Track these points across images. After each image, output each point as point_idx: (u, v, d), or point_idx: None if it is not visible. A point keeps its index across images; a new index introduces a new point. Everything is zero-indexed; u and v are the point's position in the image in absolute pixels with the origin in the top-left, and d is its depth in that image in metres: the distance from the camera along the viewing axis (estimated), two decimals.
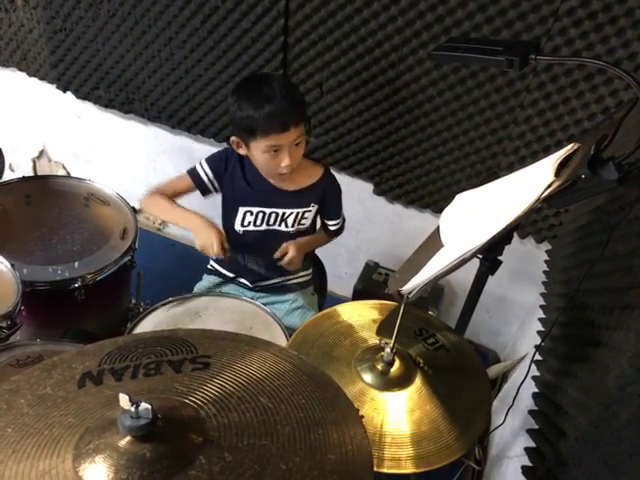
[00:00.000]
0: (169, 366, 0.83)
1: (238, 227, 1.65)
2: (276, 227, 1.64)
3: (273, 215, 1.63)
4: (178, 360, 0.84)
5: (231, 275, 1.78)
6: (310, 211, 1.65)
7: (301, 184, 1.63)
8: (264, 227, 1.64)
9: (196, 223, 1.52)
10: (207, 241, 1.48)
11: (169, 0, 2.01)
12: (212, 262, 1.82)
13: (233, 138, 1.51)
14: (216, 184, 1.63)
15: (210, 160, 1.63)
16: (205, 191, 1.64)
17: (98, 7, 2.14)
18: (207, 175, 1.61)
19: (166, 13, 2.05)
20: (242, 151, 1.52)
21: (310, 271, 1.83)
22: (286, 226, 1.64)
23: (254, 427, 0.72)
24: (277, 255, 1.57)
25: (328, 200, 1.68)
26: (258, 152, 1.47)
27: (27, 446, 0.69)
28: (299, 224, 1.65)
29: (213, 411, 0.73)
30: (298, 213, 1.63)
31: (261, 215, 1.63)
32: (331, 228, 1.75)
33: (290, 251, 1.56)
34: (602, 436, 0.90)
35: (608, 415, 0.90)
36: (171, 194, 1.63)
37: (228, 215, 1.66)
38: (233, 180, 1.62)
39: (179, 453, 0.66)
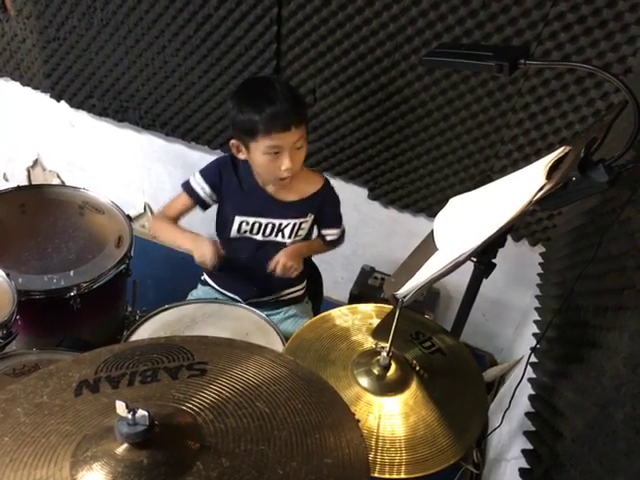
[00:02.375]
0: (166, 373, 0.83)
1: (234, 234, 1.63)
2: (272, 238, 1.63)
3: (270, 226, 1.61)
4: (175, 367, 0.84)
5: (223, 291, 1.76)
6: (307, 221, 1.64)
7: (300, 195, 1.61)
8: (260, 237, 1.63)
9: (191, 240, 1.55)
10: (202, 253, 1.49)
11: (162, 9, 2.02)
12: (205, 275, 1.80)
13: (233, 141, 1.50)
14: (215, 197, 1.62)
15: (204, 173, 1.60)
16: (205, 206, 1.63)
17: (91, 16, 2.15)
18: (204, 190, 1.60)
19: (159, 21, 2.06)
20: (242, 155, 1.50)
21: (304, 285, 1.81)
22: (282, 237, 1.63)
23: (251, 432, 0.72)
24: (271, 268, 1.55)
25: (326, 211, 1.66)
26: (258, 154, 1.44)
27: (24, 455, 0.69)
28: (296, 235, 1.63)
29: (210, 417, 0.74)
30: (295, 224, 1.61)
31: (257, 225, 1.61)
32: (328, 238, 1.72)
33: (281, 259, 1.54)
34: (598, 436, 0.90)
35: (604, 415, 0.90)
36: (174, 215, 1.64)
37: (223, 224, 1.65)
38: (229, 190, 1.61)
39: (176, 459, 0.66)
